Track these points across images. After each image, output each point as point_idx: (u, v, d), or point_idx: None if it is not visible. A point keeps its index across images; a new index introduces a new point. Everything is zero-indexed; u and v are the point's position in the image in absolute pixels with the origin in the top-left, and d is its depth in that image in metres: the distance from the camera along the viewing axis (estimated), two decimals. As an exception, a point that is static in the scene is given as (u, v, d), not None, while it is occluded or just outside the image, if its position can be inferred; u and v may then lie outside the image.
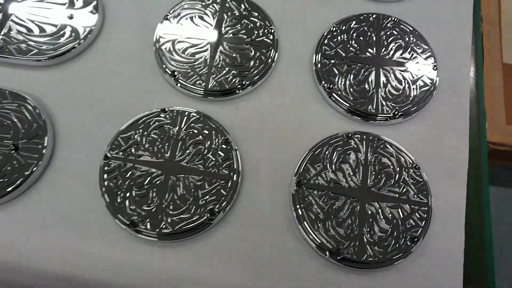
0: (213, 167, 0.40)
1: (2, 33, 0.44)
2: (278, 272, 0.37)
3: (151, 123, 0.41)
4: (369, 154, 0.41)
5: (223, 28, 0.46)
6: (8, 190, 0.38)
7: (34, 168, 0.39)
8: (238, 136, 0.42)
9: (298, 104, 0.44)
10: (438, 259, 0.38)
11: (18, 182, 0.38)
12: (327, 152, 0.41)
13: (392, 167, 0.41)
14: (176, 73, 0.43)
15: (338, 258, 0.37)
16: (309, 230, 0.38)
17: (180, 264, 0.37)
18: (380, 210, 0.39)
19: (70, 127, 0.42)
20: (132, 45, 0.46)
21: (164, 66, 0.44)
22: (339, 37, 0.46)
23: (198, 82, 0.43)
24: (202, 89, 0.43)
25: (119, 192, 0.38)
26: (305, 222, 0.38)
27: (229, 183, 0.39)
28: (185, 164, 0.40)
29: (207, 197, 0.38)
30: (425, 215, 0.39)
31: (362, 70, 0.45)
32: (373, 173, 0.40)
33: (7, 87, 0.42)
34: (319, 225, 0.38)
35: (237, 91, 0.43)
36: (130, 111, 0.42)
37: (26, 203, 0.39)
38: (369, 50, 0.46)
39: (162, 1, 0.48)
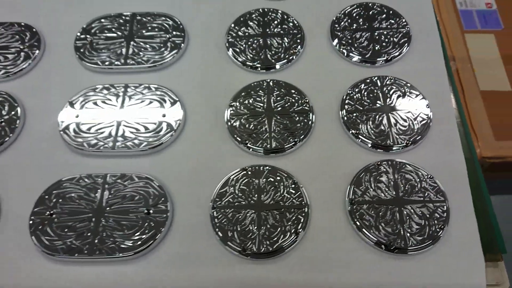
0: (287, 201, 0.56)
1: (119, 135, 0.62)
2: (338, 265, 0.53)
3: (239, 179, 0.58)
4: (396, 174, 0.58)
5: (272, 104, 0.64)
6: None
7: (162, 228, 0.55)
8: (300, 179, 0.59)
9: (336, 149, 0.62)
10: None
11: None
12: (366, 177, 0.58)
13: (414, 179, 0.57)
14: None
15: (391, 248, 0.52)
16: (367, 232, 0.54)
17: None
18: (412, 210, 0.55)
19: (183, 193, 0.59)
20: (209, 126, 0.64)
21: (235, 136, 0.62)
22: (354, 96, 0.65)
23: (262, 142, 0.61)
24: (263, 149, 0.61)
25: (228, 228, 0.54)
26: (363, 229, 0.54)
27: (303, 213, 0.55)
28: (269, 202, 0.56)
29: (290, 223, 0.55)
30: (445, 212, 0.55)
31: (377, 117, 0.63)
32: (402, 186, 0.57)
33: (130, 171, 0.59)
34: (373, 228, 0.54)
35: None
36: (219, 174, 0.59)
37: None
38: (378, 102, 0.64)
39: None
